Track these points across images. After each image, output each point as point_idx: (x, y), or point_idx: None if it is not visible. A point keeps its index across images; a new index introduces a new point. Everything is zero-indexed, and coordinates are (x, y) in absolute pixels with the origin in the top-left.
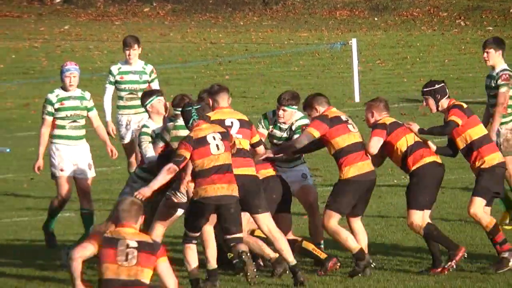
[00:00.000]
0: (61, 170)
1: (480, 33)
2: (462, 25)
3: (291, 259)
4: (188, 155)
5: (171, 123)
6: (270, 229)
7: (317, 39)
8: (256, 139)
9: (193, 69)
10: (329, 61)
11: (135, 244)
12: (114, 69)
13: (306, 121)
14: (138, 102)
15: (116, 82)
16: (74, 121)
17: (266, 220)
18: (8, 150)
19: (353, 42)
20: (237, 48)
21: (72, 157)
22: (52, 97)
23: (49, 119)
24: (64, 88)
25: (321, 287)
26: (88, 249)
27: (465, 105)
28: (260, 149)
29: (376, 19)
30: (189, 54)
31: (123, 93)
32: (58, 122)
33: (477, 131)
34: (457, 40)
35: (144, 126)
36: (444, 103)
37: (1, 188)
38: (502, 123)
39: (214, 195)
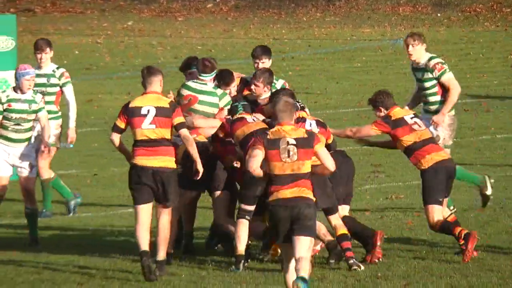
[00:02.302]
0: None
1: None
2: None
3: (161, 255)
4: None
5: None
6: None
7: (380, 35)
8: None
9: None
10: (392, 57)
11: (294, 142)
12: None
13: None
14: (49, 107)
15: None
16: (18, 124)
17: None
18: (71, 146)
19: None
20: (300, 44)
21: (10, 158)
22: (2, 96)
23: None
24: (17, 90)
25: (384, 283)
26: (259, 155)
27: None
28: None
29: (439, 15)
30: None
31: None
32: (3, 121)
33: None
34: None
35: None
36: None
37: (64, 183)
38: None
39: None
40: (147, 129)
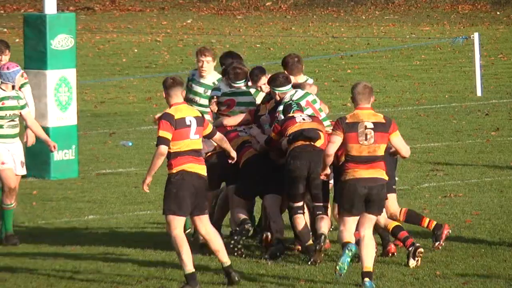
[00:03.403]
0: (2, 163)
1: None
2: None
3: (226, 259)
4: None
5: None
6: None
7: (439, 33)
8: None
9: (315, 63)
10: (451, 55)
11: (371, 126)
12: None
13: None
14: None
15: None
16: (12, 120)
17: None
18: (130, 144)
19: (475, 36)
20: (359, 42)
21: (10, 152)
22: None
23: None
24: (5, 88)
25: (443, 282)
26: (337, 142)
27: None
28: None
29: (498, 13)
30: (311, 48)
31: None
32: None
33: None
34: None
35: None
36: None
37: (124, 181)
38: None
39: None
40: (194, 139)
